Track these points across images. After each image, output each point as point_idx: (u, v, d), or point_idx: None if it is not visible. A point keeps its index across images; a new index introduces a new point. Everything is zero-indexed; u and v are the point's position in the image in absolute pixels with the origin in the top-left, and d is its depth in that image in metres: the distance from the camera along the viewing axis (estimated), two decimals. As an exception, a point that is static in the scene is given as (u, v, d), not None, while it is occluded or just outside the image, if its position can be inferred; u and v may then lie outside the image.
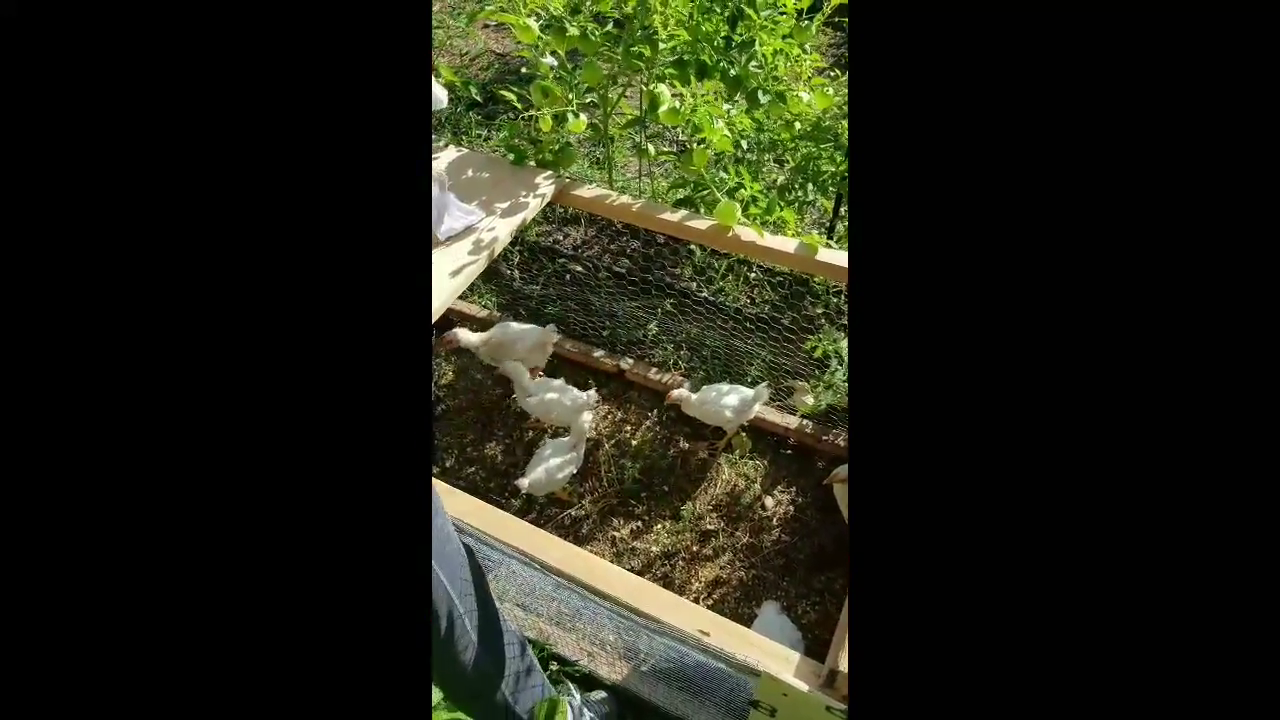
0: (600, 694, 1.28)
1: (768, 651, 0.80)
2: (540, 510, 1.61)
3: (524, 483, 1.47)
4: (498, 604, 1.35)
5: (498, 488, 1.65)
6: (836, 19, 1.73)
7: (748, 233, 1.32)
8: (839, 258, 1.28)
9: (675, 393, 1.61)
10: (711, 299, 1.86)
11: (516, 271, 2.08)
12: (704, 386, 1.63)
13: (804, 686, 0.76)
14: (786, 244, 1.30)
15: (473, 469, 1.69)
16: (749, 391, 1.58)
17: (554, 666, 1.33)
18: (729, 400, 1.57)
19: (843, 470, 1.49)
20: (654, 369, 1.81)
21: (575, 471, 1.55)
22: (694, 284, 1.99)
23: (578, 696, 1.24)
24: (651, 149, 1.74)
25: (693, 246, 2.02)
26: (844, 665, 0.73)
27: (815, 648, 1.36)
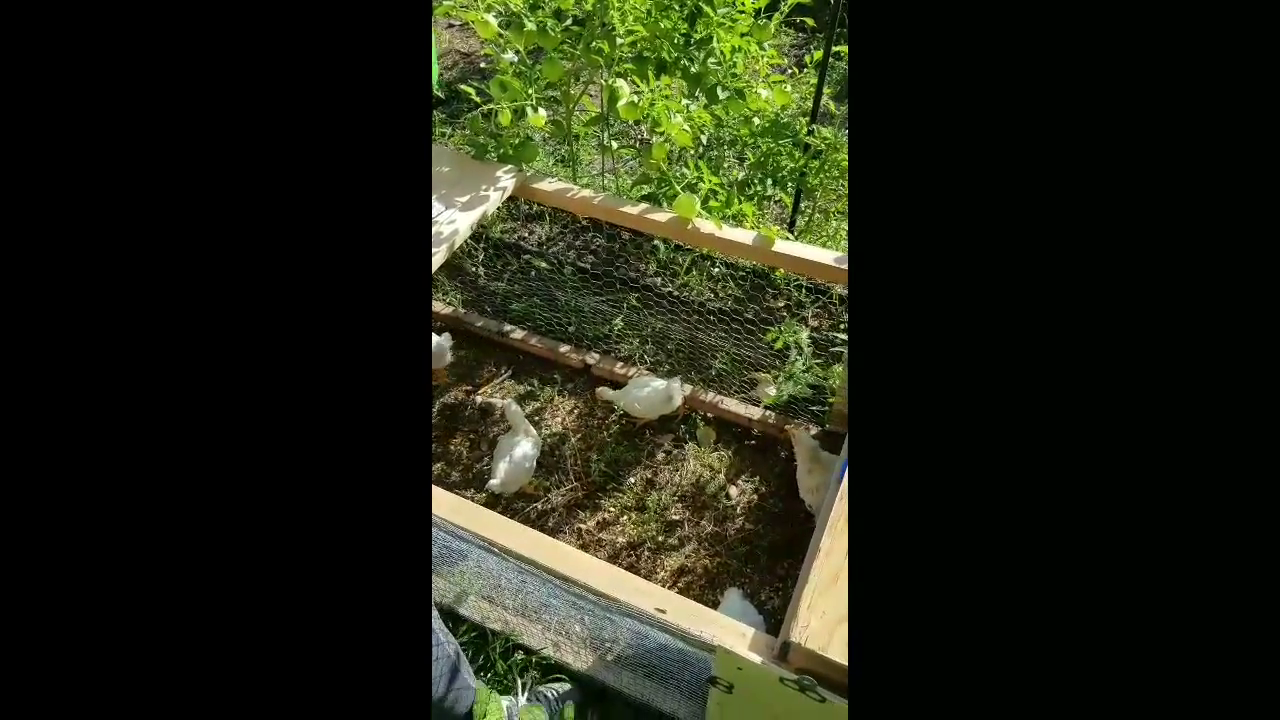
0: (559, 686, 1.28)
1: (723, 627, 0.82)
2: (506, 505, 1.61)
3: (495, 483, 1.49)
4: (463, 598, 1.36)
5: (462, 482, 1.65)
6: (796, 19, 1.77)
7: (707, 225, 1.34)
8: (795, 248, 1.31)
9: (600, 390, 1.71)
10: (676, 294, 1.88)
11: (481, 268, 2.08)
12: (630, 381, 1.70)
13: (757, 659, 0.78)
14: (745, 236, 1.33)
15: (438, 465, 1.68)
16: (661, 384, 1.65)
17: (519, 655, 1.33)
18: (638, 392, 1.65)
19: (800, 432, 1.56)
20: (620, 364, 1.83)
21: (536, 456, 1.57)
22: (658, 279, 2.01)
23: (522, 698, 1.24)
24: (615, 144, 1.76)
25: (657, 242, 2.04)
26: (795, 637, 0.75)
27: (777, 632, 1.39)
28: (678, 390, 1.64)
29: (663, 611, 0.84)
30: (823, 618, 0.76)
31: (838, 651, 0.73)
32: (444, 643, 1.01)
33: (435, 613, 1.02)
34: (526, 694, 1.25)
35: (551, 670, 1.32)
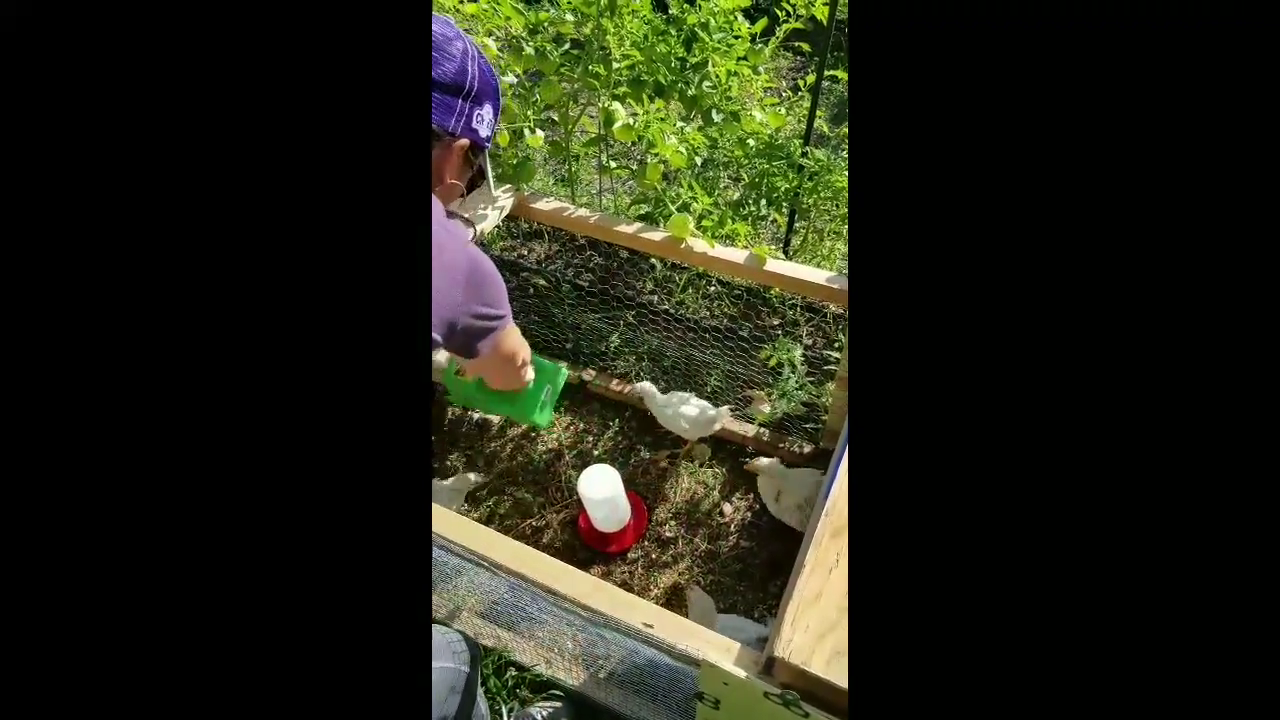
0: (548, 705, 1.28)
1: (707, 641, 0.83)
2: (500, 520, 1.62)
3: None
4: (456, 615, 1.36)
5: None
6: (793, 43, 1.80)
7: (700, 244, 1.36)
8: (787, 267, 1.33)
9: (640, 385, 1.66)
10: (672, 311, 1.90)
11: (481, 285, 2.10)
12: (671, 392, 1.67)
13: (742, 674, 0.78)
14: (737, 255, 1.35)
15: (435, 480, 1.69)
16: (710, 409, 1.62)
17: (511, 672, 1.34)
18: (688, 410, 1.61)
19: (761, 461, 1.56)
20: (616, 380, 1.84)
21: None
22: (655, 297, 2.03)
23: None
24: (613, 165, 1.79)
25: (653, 260, 2.06)
26: (779, 652, 0.76)
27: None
28: (724, 417, 1.64)
29: (649, 626, 0.84)
30: (806, 633, 0.76)
31: (820, 666, 0.74)
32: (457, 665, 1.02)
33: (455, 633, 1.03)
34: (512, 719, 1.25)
35: (543, 687, 1.32)
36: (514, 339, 1.00)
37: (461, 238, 0.84)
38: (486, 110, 0.84)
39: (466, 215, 1.00)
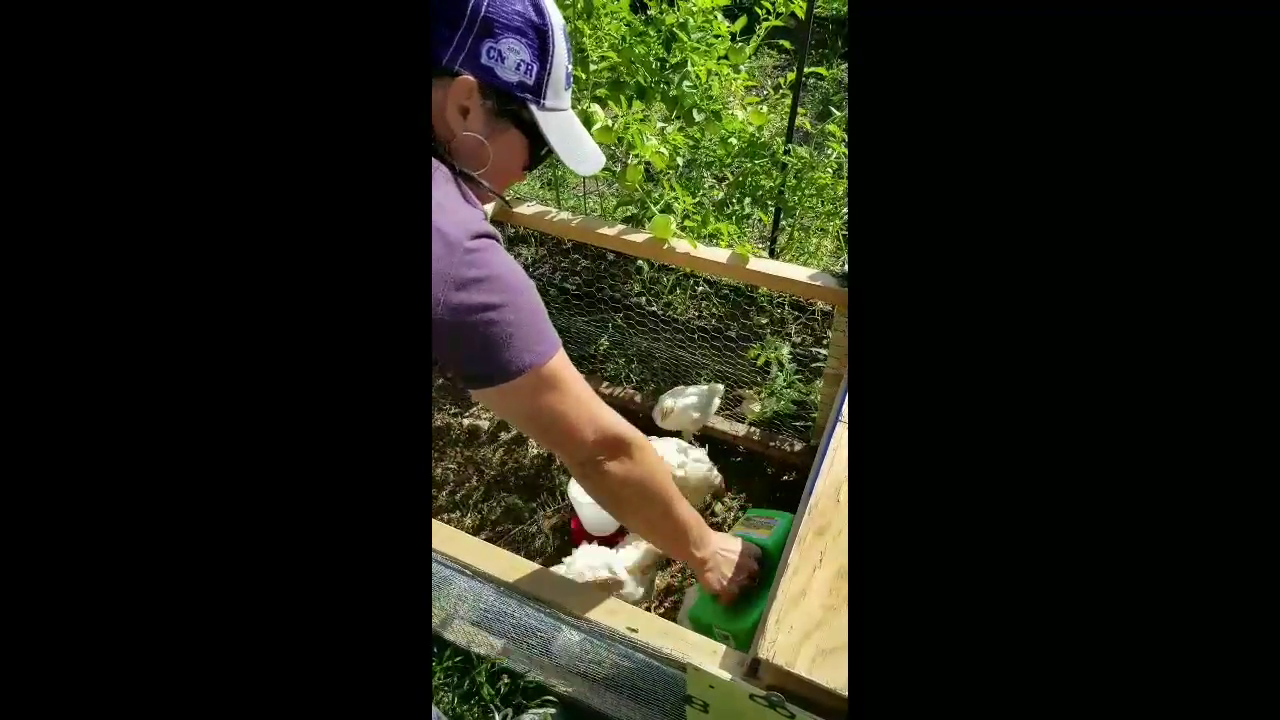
0: (541, 713, 1.27)
1: (693, 644, 0.82)
2: (492, 526, 1.61)
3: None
4: (448, 623, 1.35)
5: (450, 505, 1.65)
6: (776, 42, 1.80)
7: (683, 245, 1.36)
8: (769, 265, 1.33)
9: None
10: (659, 313, 1.90)
11: (468, 292, 2.10)
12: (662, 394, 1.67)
13: (727, 676, 0.78)
14: (720, 254, 1.35)
15: (424, 488, 1.69)
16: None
17: (505, 679, 1.33)
18: (688, 400, 1.61)
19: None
20: (606, 383, 1.84)
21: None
22: (642, 299, 2.02)
23: None
24: (596, 168, 1.79)
25: (640, 262, 2.06)
26: (764, 653, 0.75)
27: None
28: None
29: (634, 630, 0.84)
30: (790, 633, 0.76)
31: (805, 667, 0.73)
32: None
33: None
34: None
35: (536, 694, 1.31)
36: (597, 415, 0.76)
37: (450, 195, 0.67)
38: (510, 45, 0.65)
39: (490, 185, 0.79)
